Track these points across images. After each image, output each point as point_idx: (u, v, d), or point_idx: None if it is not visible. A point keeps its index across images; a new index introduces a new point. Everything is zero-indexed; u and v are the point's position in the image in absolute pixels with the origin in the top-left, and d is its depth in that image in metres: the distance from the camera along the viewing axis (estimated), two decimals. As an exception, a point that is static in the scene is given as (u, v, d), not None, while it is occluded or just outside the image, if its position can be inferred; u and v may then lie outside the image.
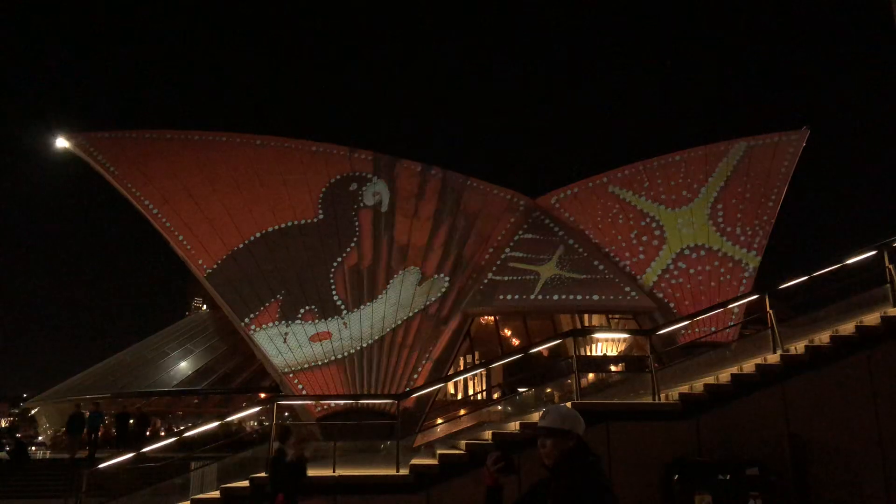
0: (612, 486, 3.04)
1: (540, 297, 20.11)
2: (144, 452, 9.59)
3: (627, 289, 20.27)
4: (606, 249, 21.28)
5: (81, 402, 21.72)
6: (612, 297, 20.23)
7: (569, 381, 9.41)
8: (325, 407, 17.16)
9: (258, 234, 19.36)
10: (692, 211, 21.24)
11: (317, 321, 18.56)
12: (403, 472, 8.21)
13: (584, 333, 18.20)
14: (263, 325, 18.40)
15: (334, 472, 8.35)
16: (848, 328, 8.83)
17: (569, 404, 8.20)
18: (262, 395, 20.51)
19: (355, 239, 19.77)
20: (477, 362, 20.30)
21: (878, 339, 8.61)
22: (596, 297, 20.17)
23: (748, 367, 8.79)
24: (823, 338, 8.80)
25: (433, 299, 19.42)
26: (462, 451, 8.36)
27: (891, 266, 9.52)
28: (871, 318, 8.90)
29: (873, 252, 9.82)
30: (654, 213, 21.44)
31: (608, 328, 21.14)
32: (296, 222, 19.69)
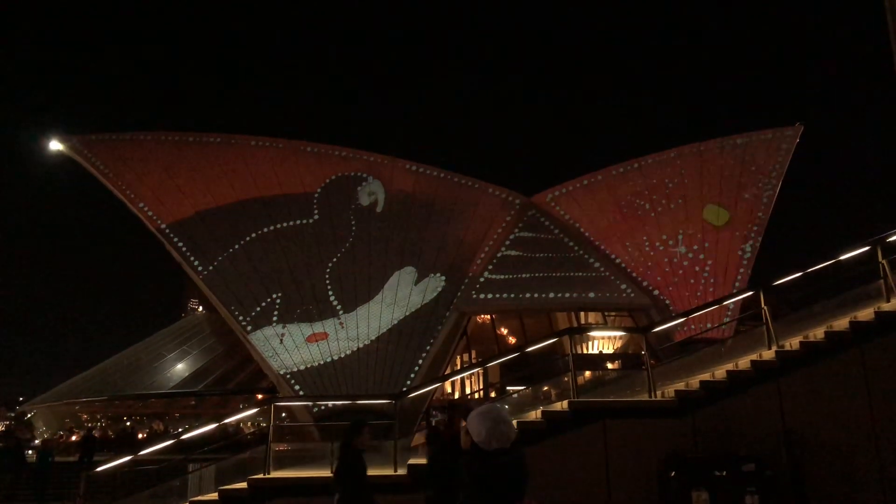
0: (493, 478, 3.17)
1: (536, 295, 20.16)
2: (142, 455, 9.57)
3: (623, 286, 20.32)
4: (602, 246, 21.31)
5: (77, 406, 21.50)
6: (608, 295, 20.30)
7: (565, 378, 9.41)
8: (323, 407, 17.15)
9: (254, 235, 19.36)
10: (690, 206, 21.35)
11: (313, 322, 18.56)
12: (401, 471, 8.22)
13: (581, 332, 18.24)
14: (260, 327, 18.39)
15: (332, 472, 8.33)
16: (842, 323, 8.86)
17: (566, 403, 8.24)
18: (260, 397, 20.51)
19: (351, 239, 19.77)
20: (474, 361, 20.34)
21: (871, 333, 8.65)
22: (592, 295, 20.25)
23: (743, 363, 8.81)
24: (818, 333, 8.83)
25: (429, 298, 19.44)
26: (459, 451, 8.35)
27: (884, 261, 9.56)
28: (865, 314, 8.94)
29: (867, 248, 9.85)
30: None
31: (604, 326, 21.17)
32: (292, 223, 19.69)
